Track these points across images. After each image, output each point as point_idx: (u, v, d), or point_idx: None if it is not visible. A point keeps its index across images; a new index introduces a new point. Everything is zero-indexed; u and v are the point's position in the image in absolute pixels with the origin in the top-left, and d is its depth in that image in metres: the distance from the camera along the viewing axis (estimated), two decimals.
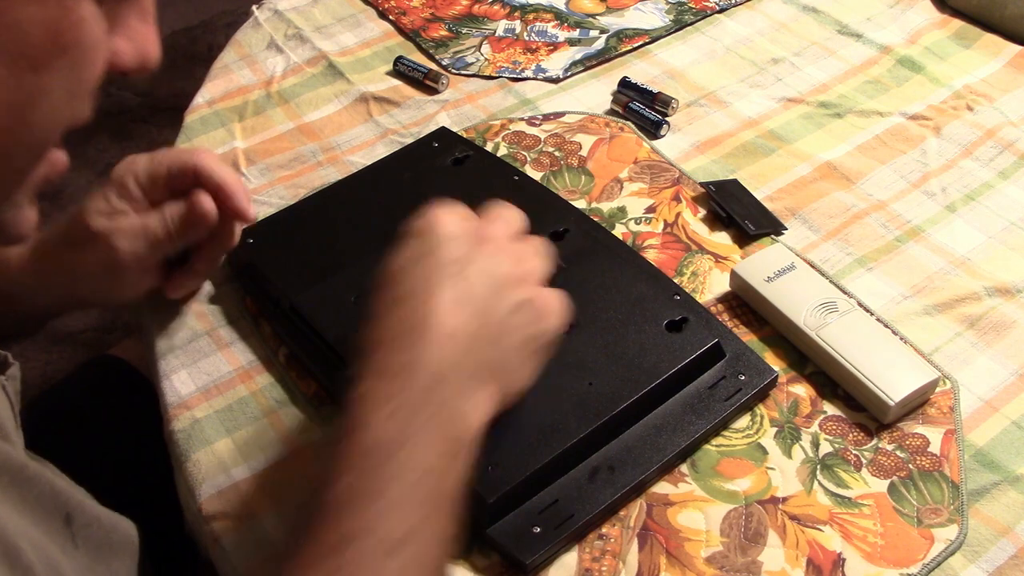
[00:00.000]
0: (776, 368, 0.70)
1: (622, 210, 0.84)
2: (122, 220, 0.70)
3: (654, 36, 1.04)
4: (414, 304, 0.52)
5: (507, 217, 0.60)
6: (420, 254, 0.54)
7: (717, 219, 0.83)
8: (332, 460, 0.49)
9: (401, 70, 0.99)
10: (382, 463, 0.48)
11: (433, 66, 1.00)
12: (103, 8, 0.39)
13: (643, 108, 0.93)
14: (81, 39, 0.38)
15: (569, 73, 1.00)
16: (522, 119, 0.94)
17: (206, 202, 0.70)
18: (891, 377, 0.67)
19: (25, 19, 0.35)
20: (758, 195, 0.84)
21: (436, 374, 0.51)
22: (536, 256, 0.59)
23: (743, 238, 0.81)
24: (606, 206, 0.84)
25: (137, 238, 0.69)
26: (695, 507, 0.64)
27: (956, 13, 1.06)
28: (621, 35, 1.04)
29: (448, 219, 0.56)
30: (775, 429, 0.68)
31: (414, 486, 0.49)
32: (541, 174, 0.87)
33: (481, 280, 0.54)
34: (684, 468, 0.66)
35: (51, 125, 0.40)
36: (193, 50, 2.36)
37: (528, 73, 1.00)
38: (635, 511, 0.64)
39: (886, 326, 0.74)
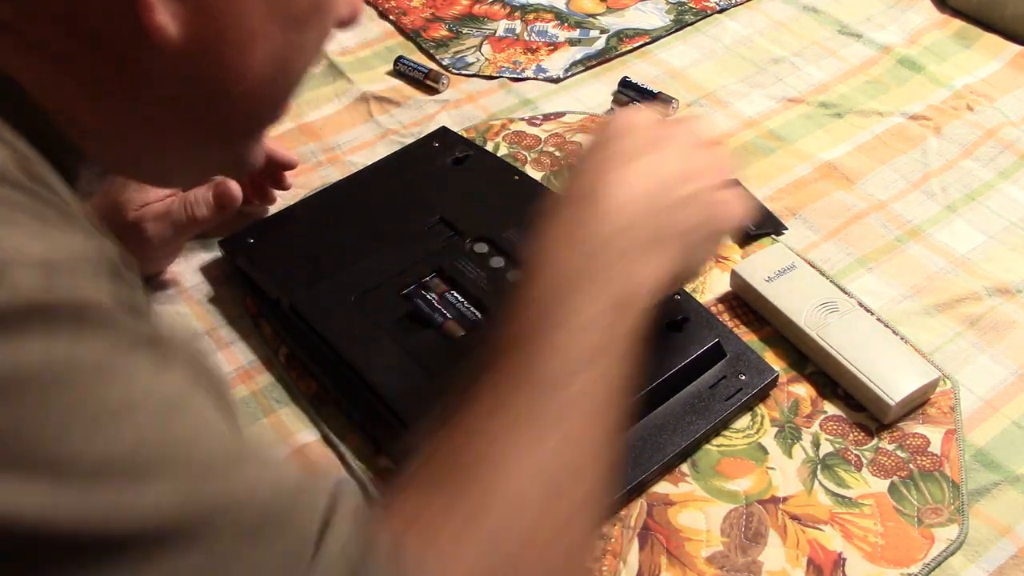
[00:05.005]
0: (776, 368, 0.70)
1: None
2: (149, 206, 0.73)
3: (654, 36, 1.04)
4: (587, 180, 0.56)
5: (691, 126, 0.61)
6: (599, 145, 0.58)
7: None
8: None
9: (401, 70, 0.99)
10: (549, 309, 0.51)
11: (433, 66, 1.00)
12: None
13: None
14: None
15: (569, 73, 1.00)
16: (522, 119, 0.94)
17: (231, 187, 0.74)
18: (891, 377, 0.67)
19: None
20: (758, 195, 0.84)
21: (604, 238, 0.54)
22: (712, 161, 0.61)
23: (743, 238, 0.81)
24: None
25: (161, 221, 0.73)
26: (696, 507, 0.64)
27: (956, 13, 1.06)
28: (621, 35, 1.04)
29: (631, 119, 0.59)
30: (775, 429, 0.68)
31: (581, 331, 0.50)
32: (541, 174, 0.87)
33: (651, 170, 0.57)
34: (685, 468, 0.66)
35: (302, 73, 0.47)
36: None
37: (528, 73, 1.00)
38: (636, 511, 0.64)
39: (886, 326, 0.74)
